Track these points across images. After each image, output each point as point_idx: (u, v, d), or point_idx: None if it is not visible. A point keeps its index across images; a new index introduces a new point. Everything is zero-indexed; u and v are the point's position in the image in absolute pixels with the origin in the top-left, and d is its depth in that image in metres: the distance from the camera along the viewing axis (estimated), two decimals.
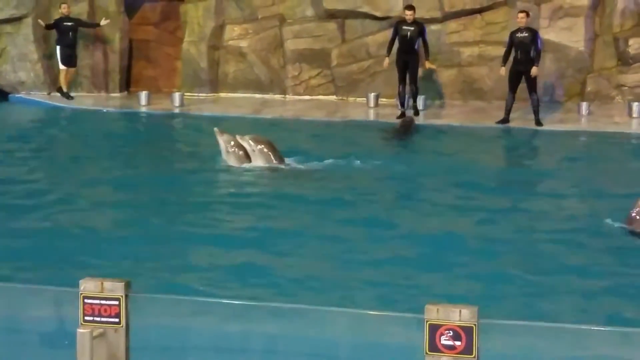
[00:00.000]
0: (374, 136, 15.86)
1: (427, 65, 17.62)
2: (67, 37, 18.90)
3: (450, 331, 3.71)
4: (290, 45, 19.35)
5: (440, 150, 14.88)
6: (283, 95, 19.52)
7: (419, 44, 17.41)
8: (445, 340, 3.71)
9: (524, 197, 11.23)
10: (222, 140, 12.25)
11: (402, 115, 17.29)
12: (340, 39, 19.25)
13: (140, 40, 20.27)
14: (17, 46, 19.49)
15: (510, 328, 4.18)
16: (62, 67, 19.01)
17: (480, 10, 18.63)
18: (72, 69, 19.11)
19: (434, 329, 3.70)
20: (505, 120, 16.70)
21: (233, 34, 19.65)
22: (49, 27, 18.92)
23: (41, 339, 4.25)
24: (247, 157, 12.08)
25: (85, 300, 4.01)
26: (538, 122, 16.53)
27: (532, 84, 16.50)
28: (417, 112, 17.40)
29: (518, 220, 10.10)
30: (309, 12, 19.52)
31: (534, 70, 16.35)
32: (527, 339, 4.10)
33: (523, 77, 16.49)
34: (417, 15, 18.29)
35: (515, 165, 14.26)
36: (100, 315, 4.02)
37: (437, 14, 18.79)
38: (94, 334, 3.99)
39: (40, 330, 4.24)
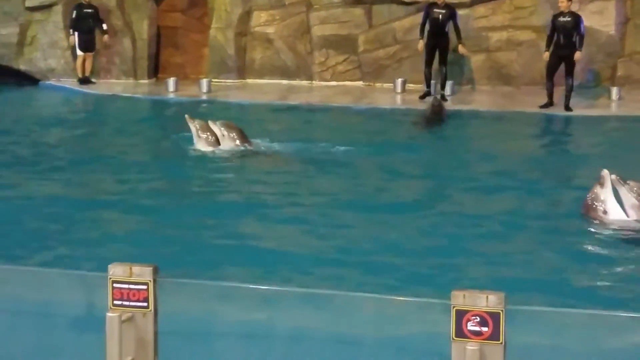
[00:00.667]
0: (396, 122, 15.85)
1: (460, 49, 17.53)
2: (86, 23, 18.95)
3: (477, 317, 3.70)
4: (317, 31, 19.32)
5: (467, 135, 14.81)
6: (310, 82, 19.51)
7: (449, 27, 17.34)
8: (472, 326, 3.71)
9: (554, 183, 11.14)
10: (193, 126, 12.59)
11: (426, 94, 17.31)
12: (367, 25, 19.20)
13: (167, 27, 20.33)
14: (47, 33, 19.62)
15: (538, 314, 4.16)
16: (79, 53, 19.08)
17: None
18: (89, 54, 19.17)
19: (461, 314, 3.70)
20: (550, 104, 16.60)
21: (260, 20, 19.66)
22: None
23: (71, 322, 4.29)
24: (218, 142, 12.49)
25: (114, 285, 4.05)
26: (568, 107, 16.43)
27: (571, 68, 16.42)
28: (444, 98, 17.31)
29: (546, 206, 10.02)
30: None
31: (577, 55, 16.27)
32: (556, 326, 4.09)
33: (562, 61, 16.42)
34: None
35: (544, 151, 14.16)
36: (129, 300, 4.05)
37: None
38: (123, 318, 4.02)
39: (70, 314, 4.28)
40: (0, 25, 19.71)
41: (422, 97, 17.39)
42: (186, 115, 12.79)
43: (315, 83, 19.40)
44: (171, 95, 18.60)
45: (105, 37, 19.23)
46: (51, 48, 19.64)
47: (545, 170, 11.97)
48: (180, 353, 4.13)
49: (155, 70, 20.37)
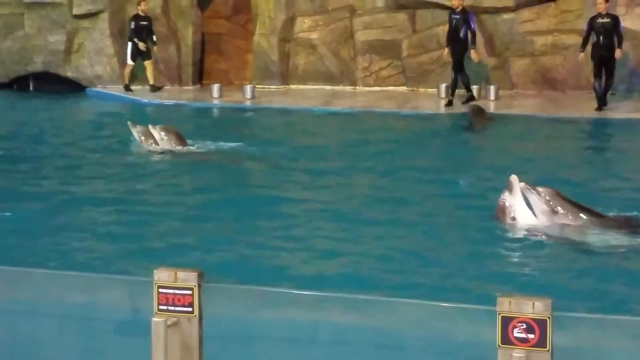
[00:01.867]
0: (439, 127, 15.82)
1: (472, 55, 17.29)
2: (141, 35, 19.15)
3: (523, 324, 3.67)
4: (361, 36, 19.32)
5: (510, 139, 14.67)
6: (353, 87, 19.51)
7: (465, 33, 17.15)
8: (518, 333, 3.67)
9: (598, 187, 10.99)
10: (135, 131, 13.54)
11: (470, 99, 17.27)
12: (411, 30, 19.16)
13: (212, 33, 20.47)
14: (93, 41, 19.84)
15: (585, 321, 4.11)
16: (130, 62, 19.29)
17: None
18: (149, 62, 19.36)
19: (507, 321, 3.67)
20: (602, 104, 16.43)
21: (303, 26, 19.70)
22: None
23: (117, 327, 4.33)
24: (157, 145, 13.38)
25: (160, 290, 4.06)
26: (600, 107, 16.33)
27: (611, 68, 16.40)
28: (450, 104, 17.22)
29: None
30: (380, 2, 19.48)
31: (617, 53, 16.26)
32: (603, 333, 4.03)
33: (603, 62, 16.38)
34: (489, 5, 18.11)
35: (589, 155, 13.99)
36: (174, 305, 4.07)
37: (510, 3, 18.57)
38: (168, 323, 4.04)
39: (116, 319, 4.32)
40: (48, 33, 19.98)
41: (465, 101, 17.29)
42: (129, 122, 13.70)
43: (359, 88, 19.40)
44: (215, 102, 18.70)
45: (155, 48, 19.39)
46: (98, 55, 19.86)
47: (582, 174, 11.78)
48: (225, 358, 4.15)
49: (200, 76, 20.51)
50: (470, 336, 3.83)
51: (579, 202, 8.55)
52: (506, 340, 3.69)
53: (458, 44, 17.24)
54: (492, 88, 17.93)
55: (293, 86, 19.85)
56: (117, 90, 19.69)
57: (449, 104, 17.31)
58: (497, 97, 17.86)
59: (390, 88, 19.25)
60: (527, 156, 12.91)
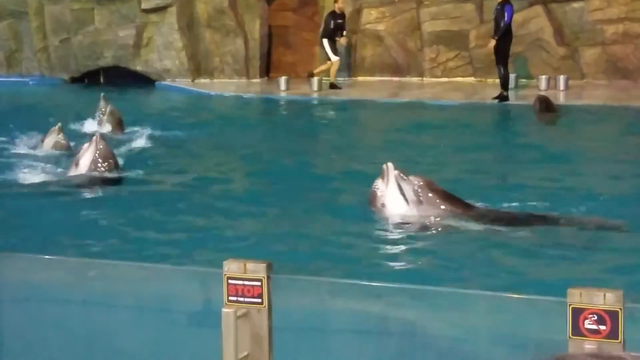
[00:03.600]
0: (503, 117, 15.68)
1: (490, 43, 16.69)
2: (337, 32, 18.89)
3: (595, 315, 3.63)
4: (428, 27, 19.23)
5: (576, 130, 14.47)
6: (420, 78, 19.43)
7: (505, 24, 16.55)
8: (589, 325, 3.64)
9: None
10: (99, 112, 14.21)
11: (500, 96, 16.75)
12: (478, 20, 19.00)
13: (279, 26, 20.56)
14: (162, 35, 20.09)
15: None
16: (335, 58, 18.86)
17: None
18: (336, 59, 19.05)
19: (577, 313, 3.64)
20: None
21: (370, 18, 19.67)
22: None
23: (189, 318, 4.39)
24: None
25: (229, 281, 4.10)
26: None
27: None
28: (503, 98, 16.68)
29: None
30: None
31: None
32: None
33: None
34: None
35: None
36: (243, 296, 4.11)
37: None
38: (238, 313, 4.08)
39: (187, 310, 4.38)
40: (117, 27, 20.29)
41: (495, 98, 16.80)
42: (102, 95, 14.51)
43: (426, 80, 19.31)
44: (283, 94, 18.79)
45: (343, 39, 19.07)
46: (166, 49, 20.11)
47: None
48: (295, 349, 4.18)
49: (267, 69, 20.62)
50: (539, 328, 3.80)
51: (451, 193, 8.57)
52: (577, 332, 3.66)
53: (496, 37, 16.60)
54: (561, 78, 17.70)
55: (360, 78, 19.84)
56: (185, 83, 19.90)
57: (502, 97, 16.81)
58: (566, 87, 17.62)
59: (458, 79, 19.12)
60: (588, 148, 12.71)
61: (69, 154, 11.68)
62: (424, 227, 8.25)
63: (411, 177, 8.50)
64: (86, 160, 10.59)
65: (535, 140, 13.47)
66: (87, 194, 10.11)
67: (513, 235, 8.00)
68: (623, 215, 8.58)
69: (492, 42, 16.65)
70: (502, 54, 16.68)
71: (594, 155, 12.24)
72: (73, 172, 10.66)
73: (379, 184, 8.49)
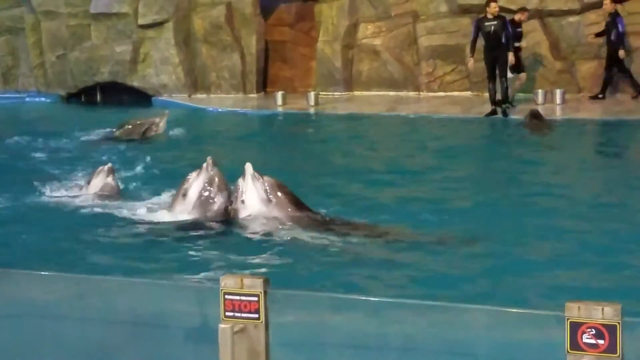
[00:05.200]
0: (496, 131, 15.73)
1: (510, 57, 16.75)
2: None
3: (593, 329, 3.62)
4: (424, 41, 19.26)
5: (568, 145, 14.47)
6: (417, 92, 19.45)
7: (506, 38, 16.67)
8: (587, 339, 3.63)
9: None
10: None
11: (493, 113, 16.70)
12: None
13: (275, 41, 20.58)
14: (159, 50, 20.10)
15: None
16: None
17: (620, 0, 18.06)
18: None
19: (576, 327, 3.63)
20: None
21: (367, 32, 19.71)
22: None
23: (185, 334, 4.37)
24: None
25: (226, 297, 4.09)
26: None
27: None
28: (505, 113, 16.66)
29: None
30: (443, 7, 19.38)
31: None
32: None
33: None
34: (554, 7, 17.90)
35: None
36: (240, 311, 4.10)
37: (576, 6, 18.35)
38: (235, 329, 4.07)
39: (184, 326, 4.36)
40: (114, 43, 20.30)
41: (488, 114, 16.73)
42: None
43: (423, 94, 19.33)
44: (280, 109, 18.79)
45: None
46: (163, 64, 20.12)
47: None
48: None
49: (264, 84, 20.64)
50: (537, 342, 3.79)
51: (296, 196, 9.17)
52: (575, 346, 3.65)
53: (500, 51, 16.68)
54: (558, 92, 17.72)
55: (357, 92, 19.85)
56: (182, 98, 19.90)
57: (505, 113, 16.82)
58: (563, 101, 17.65)
59: (455, 93, 19.14)
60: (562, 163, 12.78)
61: (123, 200, 10.13)
62: (273, 224, 8.85)
63: (265, 178, 9.17)
64: (195, 190, 9.17)
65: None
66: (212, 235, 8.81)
67: (347, 243, 8.47)
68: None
69: (512, 56, 16.76)
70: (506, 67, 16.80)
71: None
72: (180, 206, 9.18)
73: (240, 182, 9.16)
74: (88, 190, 10.26)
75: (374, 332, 4.01)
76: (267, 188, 9.09)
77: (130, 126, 15.59)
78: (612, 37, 17.25)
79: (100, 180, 10.47)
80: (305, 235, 8.66)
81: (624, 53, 17.39)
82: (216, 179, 9.19)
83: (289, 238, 8.59)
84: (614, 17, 17.33)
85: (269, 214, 9.00)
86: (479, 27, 16.90)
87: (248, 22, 20.11)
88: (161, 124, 15.54)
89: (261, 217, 8.98)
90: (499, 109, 16.75)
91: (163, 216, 9.25)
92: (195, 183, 9.19)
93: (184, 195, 9.22)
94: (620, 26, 17.23)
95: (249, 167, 9.11)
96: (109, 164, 10.77)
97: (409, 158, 13.43)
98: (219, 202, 9.16)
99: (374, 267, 7.86)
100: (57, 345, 4.54)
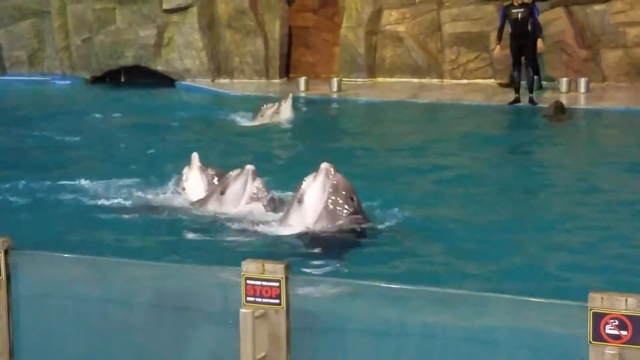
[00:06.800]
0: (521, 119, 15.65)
1: (539, 44, 16.50)
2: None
3: (616, 320, 3.60)
4: (448, 28, 19.17)
5: (591, 135, 14.37)
6: (440, 80, 19.37)
7: (533, 25, 16.48)
8: (610, 330, 3.60)
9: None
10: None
11: (516, 101, 16.58)
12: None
13: (299, 27, 20.56)
14: (183, 35, 20.13)
15: None
16: None
17: None
18: None
19: (598, 317, 3.61)
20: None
21: (390, 19, 19.64)
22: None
23: (207, 317, 4.38)
24: None
25: (247, 282, 4.10)
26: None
27: None
28: (532, 101, 16.50)
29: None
30: None
31: None
32: None
33: None
34: None
35: None
36: (261, 296, 4.10)
37: None
38: (256, 314, 4.07)
39: (206, 309, 4.37)
40: (138, 27, 20.35)
41: (511, 103, 16.61)
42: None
43: (446, 81, 19.25)
44: (302, 94, 18.77)
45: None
46: (187, 49, 20.15)
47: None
48: (313, 350, 4.16)
49: (287, 69, 20.62)
50: (562, 331, 3.77)
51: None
52: (598, 336, 3.62)
53: (527, 39, 16.49)
54: (582, 80, 17.60)
55: (380, 79, 19.81)
56: (205, 83, 19.93)
57: (532, 101, 16.71)
58: (587, 90, 17.52)
59: (478, 80, 19.05)
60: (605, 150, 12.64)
61: (273, 209, 8.50)
62: (213, 212, 8.67)
63: (209, 169, 9.35)
64: (315, 197, 7.73)
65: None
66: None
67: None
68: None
69: (542, 43, 16.54)
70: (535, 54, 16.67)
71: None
72: (295, 212, 7.78)
73: (185, 170, 9.40)
74: (225, 199, 8.65)
75: (395, 319, 4.00)
76: (211, 178, 9.16)
77: (261, 114, 15.19)
78: (530, 29, 16.51)
79: (240, 186, 8.64)
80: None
81: (542, 44, 16.64)
82: (342, 185, 7.80)
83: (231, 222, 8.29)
84: (530, 5, 16.67)
85: (215, 201, 8.75)
86: (505, 14, 16.76)
87: (272, 7, 20.08)
88: (285, 106, 15.02)
89: (208, 204, 8.83)
90: (522, 97, 16.66)
91: (277, 229, 7.94)
92: (313, 189, 7.78)
93: (300, 202, 7.85)
94: (536, 15, 16.72)
95: (195, 156, 9.26)
96: (250, 166, 8.77)
97: (430, 145, 13.39)
98: (347, 211, 7.72)
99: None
100: (77, 326, 4.57)
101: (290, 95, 15.66)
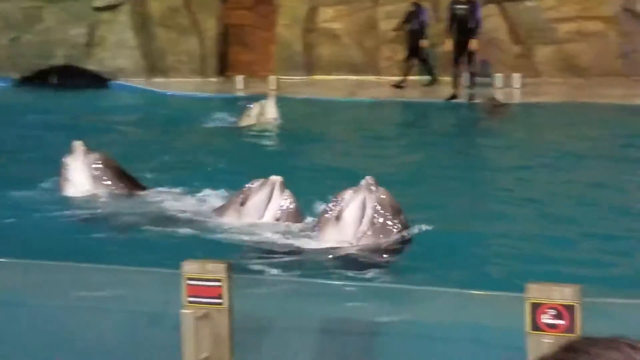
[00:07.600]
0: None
1: (474, 44, 16.81)
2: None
3: (553, 310, 3.68)
4: (384, 26, 19.27)
5: (526, 127, 14.61)
6: (377, 77, 19.48)
7: (473, 23, 16.78)
8: (547, 319, 3.68)
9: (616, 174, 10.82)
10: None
11: (453, 97, 16.83)
12: (435, 18, 19.08)
13: (235, 25, 20.48)
14: (115, 33, 19.90)
15: (615, 307, 4.11)
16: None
17: None
18: None
19: (535, 307, 3.68)
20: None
21: (326, 16, 19.68)
22: None
23: (148, 319, 4.36)
24: None
25: (188, 282, 4.09)
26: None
27: None
28: (472, 97, 16.76)
29: (603, 200, 9.72)
30: None
31: None
32: (635, 319, 4.03)
33: None
34: None
35: (615, 142, 13.85)
36: (203, 297, 4.09)
37: None
38: (198, 315, 4.06)
39: (146, 311, 4.35)
40: (69, 26, 20.05)
41: (449, 99, 16.86)
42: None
43: (383, 78, 19.36)
44: (239, 93, 18.72)
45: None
46: (119, 48, 19.92)
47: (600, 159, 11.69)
48: (256, 349, 4.17)
49: (224, 68, 20.53)
50: (498, 323, 3.83)
51: (127, 172, 8.95)
52: (535, 326, 3.69)
53: (470, 35, 16.75)
54: (515, 76, 17.84)
55: (317, 77, 19.84)
56: (139, 82, 19.73)
57: (472, 97, 16.90)
58: (521, 85, 17.78)
59: (415, 77, 19.20)
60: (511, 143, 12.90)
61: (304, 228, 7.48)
62: (100, 199, 8.65)
63: (91, 155, 9.00)
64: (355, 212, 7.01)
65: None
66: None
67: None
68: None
69: (476, 43, 16.81)
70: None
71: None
72: (333, 228, 7.05)
73: (68, 159, 9.01)
74: (245, 210, 7.65)
75: (338, 316, 4.03)
76: (94, 164, 8.89)
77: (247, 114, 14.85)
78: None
79: (263, 197, 7.68)
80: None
81: (426, 42, 17.57)
82: (389, 200, 7.16)
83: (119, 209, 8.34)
84: (417, 6, 17.53)
85: (98, 186, 8.81)
86: (452, 10, 17.05)
87: (206, 5, 19.98)
88: (269, 106, 14.61)
89: (92, 191, 8.84)
90: (459, 94, 16.84)
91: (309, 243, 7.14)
92: (352, 203, 7.09)
93: (338, 218, 7.08)
94: (423, 15, 17.58)
95: (78, 144, 8.90)
96: (277, 177, 7.67)
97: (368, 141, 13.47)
98: (395, 227, 7.09)
99: None
100: (26, 330, 4.52)
101: (274, 94, 15.67)
